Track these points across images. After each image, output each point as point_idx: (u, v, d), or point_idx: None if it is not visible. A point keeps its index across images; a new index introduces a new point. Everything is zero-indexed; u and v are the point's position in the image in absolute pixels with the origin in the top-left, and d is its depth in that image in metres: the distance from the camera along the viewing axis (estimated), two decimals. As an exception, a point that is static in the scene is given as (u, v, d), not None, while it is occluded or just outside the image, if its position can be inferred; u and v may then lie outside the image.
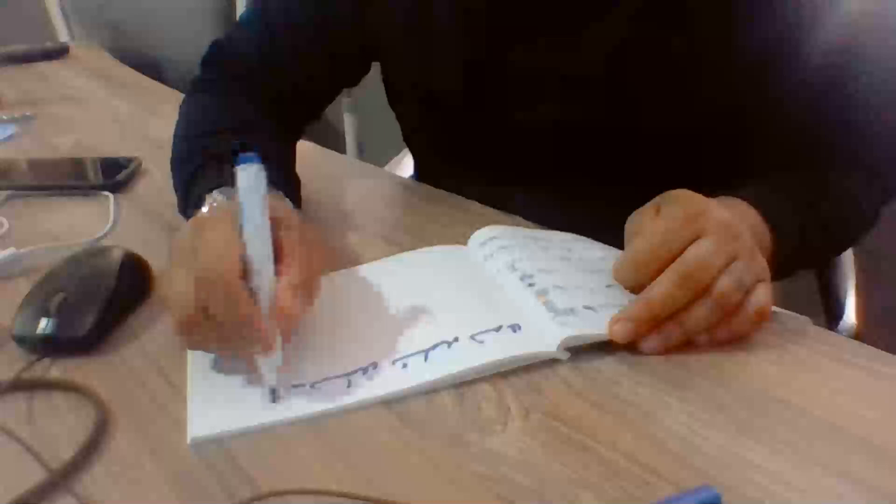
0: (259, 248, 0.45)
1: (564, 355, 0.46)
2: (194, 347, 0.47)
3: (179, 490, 0.38)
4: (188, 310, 0.43)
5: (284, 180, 0.62)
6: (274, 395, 0.44)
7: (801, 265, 0.67)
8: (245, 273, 0.44)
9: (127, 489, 0.39)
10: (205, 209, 0.53)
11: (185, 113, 0.74)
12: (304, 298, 0.46)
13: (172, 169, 0.68)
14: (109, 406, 0.45)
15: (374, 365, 0.47)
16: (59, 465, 0.40)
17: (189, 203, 0.59)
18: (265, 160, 0.45)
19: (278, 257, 0.46)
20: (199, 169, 0.61)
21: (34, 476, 0.39)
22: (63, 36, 1.78)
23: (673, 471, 0.38)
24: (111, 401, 0.45)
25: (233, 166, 0.45)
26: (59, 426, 0.43)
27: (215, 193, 0.54)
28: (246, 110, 0.72)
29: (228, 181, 0.51)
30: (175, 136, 0.71)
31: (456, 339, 0.48)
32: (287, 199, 0.57)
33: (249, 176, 0.45)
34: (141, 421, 0.44)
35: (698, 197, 0.50)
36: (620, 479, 0.38)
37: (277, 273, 0.45)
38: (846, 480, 0.38)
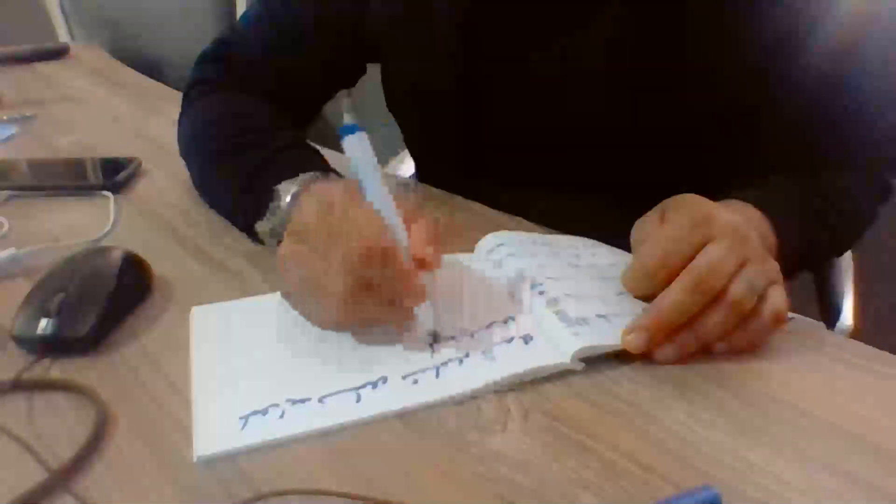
0: (387, 210, 0.47)
1: (579, 366, 0.46)
2: (351, 322, 0.49)
3: (179, 490, 0.38)
4: (352, 285, 0.46)
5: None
6: (435, 337, 0.48)
7: (804, 266, 0.67)
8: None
9: (127, 489, 0.39)
10: (288, 199, 0.56)
11: (213, 110, 0.74)
12: (437, 249, 0.49)
13: (208, 163, 0.69)
14: (109, 406, 0.45)
15: (384, 379, 0.46)
16: (59, 465, 0.40)
17: (248, 195, 0.61)
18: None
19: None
20: (262, 162, 0.62)
21: (34, 476, 0.39)
22: (63, 36, 1.78)
23: (673, 471, 0.38)
24: (111, 401, 0.45)
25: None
26: (59, 426, 0.43)
27: (289, 183, 0.57)
28: (273, 109, 0.72)
29: (299, 170, 0.57)
30: (204, 132, 0.71)
31: (467, 356, 0.47)
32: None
33: (358, 143, 0.47)
34: (141, 421, 0.44)
35: (703, 201, 0.50)
36: (620, 479, 0.38)
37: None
38: (846, 480, 0.38)
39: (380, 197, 0.48)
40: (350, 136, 0.47)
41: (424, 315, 0.49)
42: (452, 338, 0.49)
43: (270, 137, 0.66)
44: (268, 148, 0.63)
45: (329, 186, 0.55)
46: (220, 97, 0.75)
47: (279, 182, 0.58)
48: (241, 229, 0.65)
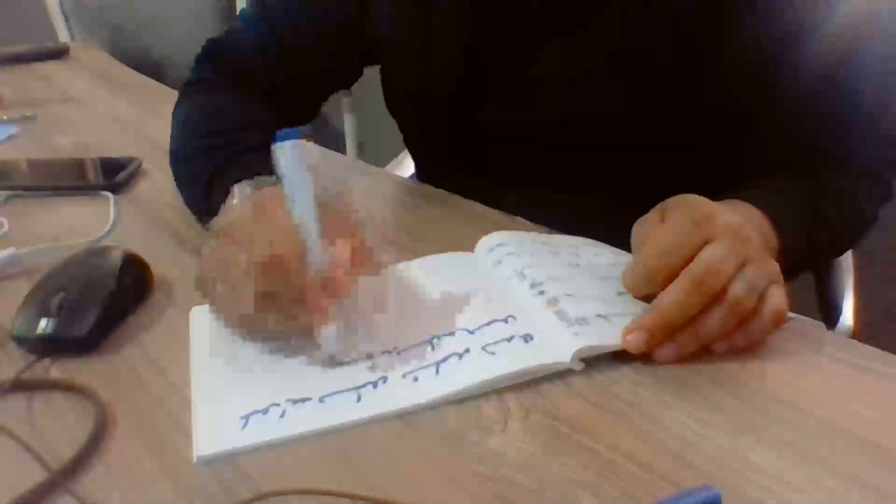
0: (307, 223, 0.46)
1: (579, 366, 0.46)
2: (253, 330, 0.48)
3: (179, 490, 0.38)
4: (253, 293, 0.45)
5: None
6: (332, 361, 0.46)
7: (804, 266, 0.67)
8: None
9: (127, 489, 0.39)
10: (234, 200, 0.54)
11: (193, 110, 0.73)
12: (354, 271, 0.47)
13: (181, 164, 0.68)
14: (109, 406, 0.45)
15: (384, 378, 0.46)
16: (59, 465, 0.40)
17: (211, 196, 0.60)
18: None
19: (326, 232, 0.47)
20: (225, 163, 0.61)
21: (34, 476, 0.39)
22: (63, 36, 1.78)
23: (673, 471, 0.38)
24: (111, 401, 0.45)
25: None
26: (59, 426, 0.43)
27: (243, 184, 0.55)
28: (254, 109, 0.72)
29: (261, 170, 0.54)
30: (181, 133, 0.71)
31: (467, 351, 0.47)
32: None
33: (288, 152, 0.45)
34: (141, 421, 0.44)
35: (704, 201, 0.50)
36: (620, 479, 0.38)
37: (326, 246, 0.47)
38: (846, 480, 0.38)
39: (303, 209, 0.46)
40: (279, 144, 0.45)
41: (326, 337, 0.46)
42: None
43: (241, 137, 0.65)
44: (234, 148, 0.63)
45: (268, 190, 0.53)
46: (206, 97, 0.75)
47: (236, 182, 0.56)
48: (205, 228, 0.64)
